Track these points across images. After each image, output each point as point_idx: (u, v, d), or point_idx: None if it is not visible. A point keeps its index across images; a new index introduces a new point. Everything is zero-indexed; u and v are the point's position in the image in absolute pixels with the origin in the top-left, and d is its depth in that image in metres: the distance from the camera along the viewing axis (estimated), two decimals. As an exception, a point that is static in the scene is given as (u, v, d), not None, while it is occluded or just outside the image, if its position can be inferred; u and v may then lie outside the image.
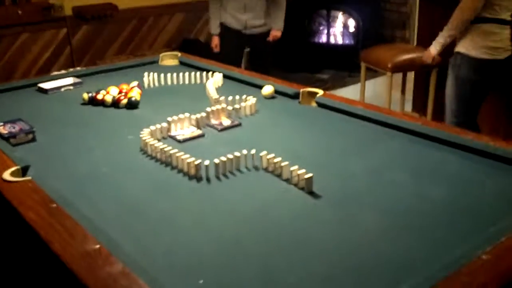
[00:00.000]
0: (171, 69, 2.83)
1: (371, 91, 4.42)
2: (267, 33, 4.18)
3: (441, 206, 1.42)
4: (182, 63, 3.00)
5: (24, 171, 1.62)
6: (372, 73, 4.07)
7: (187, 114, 2.02)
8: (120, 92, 2.32)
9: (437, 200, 1.45)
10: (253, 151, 1.69)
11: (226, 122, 2.06)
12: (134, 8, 5.01)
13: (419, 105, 4.16)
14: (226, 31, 4.19)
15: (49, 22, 4.58)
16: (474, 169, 1.62)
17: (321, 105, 2.22)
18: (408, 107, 4.29)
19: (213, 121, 2.06)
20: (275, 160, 1.61)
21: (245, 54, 4.65)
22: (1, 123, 2.00)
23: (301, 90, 2.30)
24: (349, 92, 4.96)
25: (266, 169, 1.65)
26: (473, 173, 1.60)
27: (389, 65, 3.53)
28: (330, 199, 1.47)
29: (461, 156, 1.69)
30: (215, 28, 4.22)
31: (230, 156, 1.65)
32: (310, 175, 1.49)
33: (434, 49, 3.18)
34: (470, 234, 1.26)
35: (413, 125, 1.90)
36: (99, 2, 4.78)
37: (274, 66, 6.08)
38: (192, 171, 1.62)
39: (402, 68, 3.61)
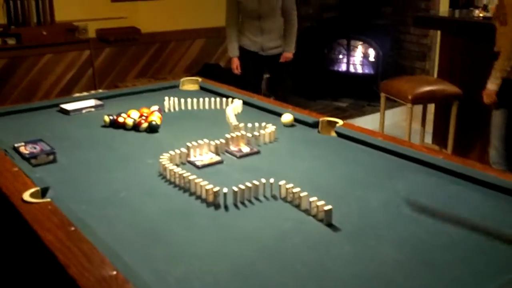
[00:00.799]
0: (191, 94, 2.85)
1: (390, 121, 4.41)
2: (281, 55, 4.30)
3: (459, 243, 1.39)
4: (202, 88, 3.02)
5: (43, 192, 1.63)
6: (391, 102, 4.06)
7: (206, 140, 2.02)
8: (141, 116, 2.34)
9: (455, 236, 1.43)
10: (271, 180, 1.68)
11: (245, 149, 2.06)
12: (156, 32, 5.09)
13: (439, 138, 4.12)
14: (244, 54, 4.32)
15: (73, 43, 4.67)
16: (495, 207, 1.59)
17: (340, 135, 2.21)
18: (428, 139, 4.26)
19: (232, 148, 2.06)
20: (294, 190, 1.60)
21: (264, 80, 4.71)
22: (23, 143, 2.02)
23: (321, 119, 2.30)
24: (368, 121, 4.95)
25: (284, 199, 1.64)
26: (493, 211, 1.57)
27: (410, 97, 3.51)
28: (348, 231, 1.45)
29: (483, 193, 1.67)
30: (234, 51, 4.35)
31: (248, 184, 1.64)
32: (329, 207, 1.48)
33: (494, 86, 3.05)
34: (487, 274, 1.24)
35: (434, 159, 1.88)
36: (123, 25, 4.86)
37: (293, 93, 6.14)
38: (210, 198, 1.62)
39: (422, 100, 3.60)
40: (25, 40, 4.37)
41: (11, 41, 4.36)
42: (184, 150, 1.95)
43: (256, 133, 2.14)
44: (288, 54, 4.29)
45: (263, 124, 2.24)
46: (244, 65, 4.35)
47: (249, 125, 2.21)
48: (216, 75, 4.42)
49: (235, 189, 1.62)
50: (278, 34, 4.24)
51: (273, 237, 1.44)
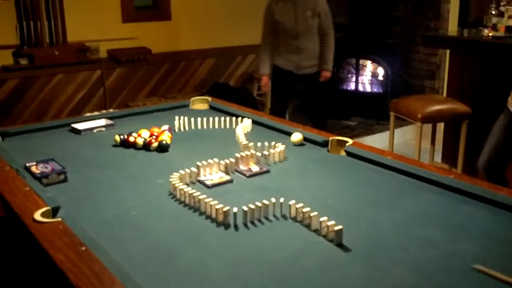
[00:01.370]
0: (201, 113, 2.87)
1: (399, 140, 4.40)
2: (318, 73, 4.34)
3: (472, 264, 1.38)
4: (212, 107, 3.04)
5: (54, 212, 1.64)
6: (401, 121, 4.05)
7: (216, 159, 2.03)
8: (151, 135, 2.35)
9: (467, 258, 1.41)
10: (281, 200, 1.68)
11: (255, 168, 2.07)
12: (167, 52, 5.14)
13: (449, 157, 4.11)
14: (278, 73, 4.38)
15: (84, 63, 4.72)
16: (508, 226, 1.58)
17: (350, 154, 2.21)
18: (438, 157, 4.24)
19: (242, 167, 2.07)
20: (304, 210, 1.60)
21: (290, 105, 4.75)
22: (34, 163, 2.04)
23: (330, 138, 2.30)
24: (377, 140, 4.94)
25: (294, 219, 1.64)
26: (506, 231, 1.56)
27: (419, 116, 3.51)
28: (359, 252, 1.44)
29: (494, 213, 1.65)
30: (265, 69, 4.40)
31: (258, 203, 1.64)
32: (339, 227, 1.47)
33: None
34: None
35: (444, 178, 1.87)
36: (134, 45, 4.92)
37: (301, 112, 6.15)
38: (220, 218, 1.62)
39: (432, 118, 3.59)
40: (37, 60, 4.43)
41: (23, 61, 4.42)
42: (194, 169, 1.96)
43: (265, 152, 2.14)
44: (326, 73, 4.33)
45: (273, 143, 2.25)
46: (276, 84, 4.43)
47: (259, 144, 2.21)
48: (225, 94, 4.44)
49: (245, 208, 1.62)
50: (314, 53, 4.29)
51: (283, 258, 1.43)
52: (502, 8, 3.69)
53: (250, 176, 2.01)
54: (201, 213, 1.69)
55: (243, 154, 2.10)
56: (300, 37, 4.22)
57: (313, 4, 4.18)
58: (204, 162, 1.99)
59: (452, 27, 5.66)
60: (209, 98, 3.12)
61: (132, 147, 2.34)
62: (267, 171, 2.05)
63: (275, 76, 4.41)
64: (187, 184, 1.89)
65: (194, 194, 1.72)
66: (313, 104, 4.51)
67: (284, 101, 4.53)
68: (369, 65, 5.98)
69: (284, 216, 1.66)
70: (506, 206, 1.66)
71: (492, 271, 1.31)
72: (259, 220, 1.64)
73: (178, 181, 1.85)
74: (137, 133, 2.37)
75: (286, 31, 4.22)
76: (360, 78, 6.02)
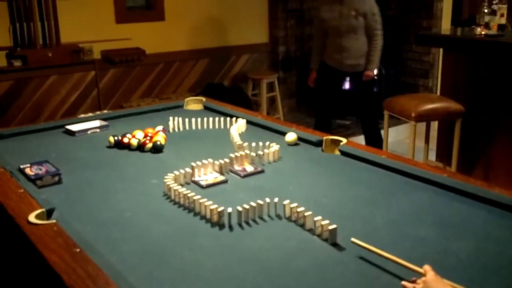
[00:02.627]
0: (195, 114, 2.87)
1: (393, 138, 4.41)
2: (362, 73, 4.37)
3: (466, 263, 1.39)
4: (206, 108, 3.04)
5: (49, 213, 1.64)
6: (395, 120, 4.06)
7: (210, 160, 2.03)
8: (145, 136, 2.35)
9: (462, 256, 1.42)
10: (276, 200, 1.69)
11: (249, 168, 2.07)
12: (161, 53, 5.13)
13: (443, 155, 4.12)
14: (324, 69, 4.51)
15: (78, 65, 4.70)
16: (501, 224, 1.59)
17: (344, 153, 2.22)
18: (432, 156, 4.26)
19: (236, 167, 2.07)
20: (298, 210, 1.60)
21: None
22: (28, 165, 2.04)
23: (324, 137, 2.31)
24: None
25: (288, 218, 1.64)
26: (500, 229, 1.56)
27: (413, 115, 3.52)
28: (353, 250, 1.45)
29: (487, 211, 1.66)
30: (313, 63, 4.58)
31: (253, 203, 1.65)
32: (334, 226, 1.48)
33: None
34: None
35: (438, 177, 1.88)
36: (127, 46, 4.91)
37: (297, 111, 6.16)
38: (215, 218, 1.62)
39: (426, 117, 3.60)
40: (31, 62, 4.41)
41: (17, 63, 4.40)
42: (188, 170, 1.96)
43: (260, 152, 2.15)
44: (369, 73, 4.34)
45: (267, 143, 2.25)
46: (322, 80, 4.54)
47: (253, 144, 2.22)
48: (219, 94, 4.45)
49: (240, 209, 1.62)
50: (358, 53, 4.31)
51: (278, 258, 1.44)
52: (495, 7, 3.70)
53: (245, 176, 2.01)
54: (195, 214, 1.69)
55: (237, 154, 2.10)
56: (343, 36, 4.28)
57: (359, 4, 4.21)
58: (199, 163, 2.00)
59: (445, 26, 5.68)
60: (203, 99, 3.13)
61: (126, 148, 2.34)
62: (262, 171, 2.05)
63: (321, 71, 4.53)
64: (182, 185, 1.89)
65: (189, 195, 1.73)
66: (360, 104, 4.55)
67: (328, 98, 4.59)
68: (363, 64, 5.98)
69: (278, 216, 1.67)
70: (499, 204, 1.67)
71: (368, 245, 1.39)
72: (254, 220, 1.64)
73: (173, 181, 1.85)
74: (131, 134, 2.37)
75: (331, 29, 4.33)
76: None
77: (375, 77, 4.42)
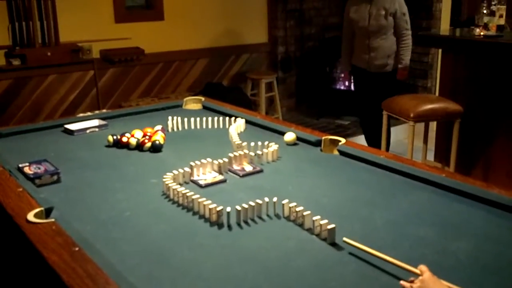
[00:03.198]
0: (194, 113, 2.87)
1: (392, 139, 4.40)
2: (390, 73, 4.36)
3: (465, 263, 1.39)
4: (205, 107, 3.04)
5: (47, 212, 1.64)
6: (394, 120, 4.06)
7: (209, 159, 2.03)
8: (144, 135, 2.35)
9: (461, 256, 1.42)
10: (275, 199, 1.69)
11: (248, 168, 2.07)
12: (160, 52, 5.13)
13: (441, 155, 4.13)
14: (354, 70, 4.54)
15: (77, 64, 4.70)
16: (500, 225, 1.59)
17: (343, 153, 2.22)
18: (431, 156, 4.26)
19: (235, 167, 2.07)
20: (297, 209, 1.60)
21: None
22: (27, 164, 2.03)
23: (323, 137, 2.31)
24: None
25: (287, 218, 1.64)
26: (499, 229, 1.57)
27: (412, 115, 3.53)
28: (352, 251, 1.45)
29: (486, 211, 1.67)
30: (344, 65, 4.64)
31: (251, 203, 1.65)
32: (332, 226, 1.48)
33: None
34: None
35: (437, 177, 1.88)
36: (127, 46, 4.90)
37: (296, 111, 6.16)
38: (214, 217, 1.62)
39: (424, 118, 3.61)
40: (30, 61, 4.40)
41: (16, 62, 4.39)
42: (187, 169, 1.96)
43: (259, 152, 2.15)
44: (402, 71, 4.35)
45: (266, 143, 2.25)
46: (355, 81, 4.61)
47: (252, 144, 2.21)
48: (218, 94, 4.45)
49: (238, 208, 1.62)
50: (386, 53, 4.29)
51: (277, 257, 1.44)
52: (493, 8, 3.71)
53: (244, 175, 2.01)
54: (194, 213, 1.69)
55: (236, 154, 2.10)
56: (372, 36, 4.26)
57: (388, 4, 4.19)
58: (198, 162, 2.00)
59: (444, 26, 5.68)
60: (202, 98, 3.13)
61: (125, 147, 2.34)
62: (261, 171, 2.06)
63: (353, 73, 4.56)
64: (181, 184, 1.89)
65: (188, 194, 1.73)
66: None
67: (361, 99, 4.58)
68: (362, 65, 5.98)
69: (277, 216, 1.67)
70: (498, 204, 1.67)
71: (359, 244, 1.40)
72: (253, 220, 1.64)
73: (172, 181, 1.85)
74: (130, 133, 2.37)
75: (360, 29, 4.31)
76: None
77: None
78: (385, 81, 4.36)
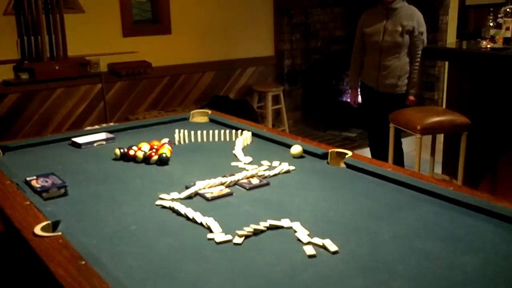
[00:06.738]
0: (201, 126, 2.88)
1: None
2: (399, 96, 4.13)
3: (473, 277, 1.37)
4: (212, 120, 3.05)
5: (54, 226, 1.64)
6: (400, 133, 4.05)
7: (215, 181, 2.02)
8: (151, 149, 2.36)
9: (469, 270, 1.41)
10: (286, 223, 1.67)
11: (255, 181, 2.07)
12: (167, 66, 5.16)
13: (449, 168, 4.11)
14: (362, 88, 4.34)
15: (85, 77, 4.74)
16: (508, 239, 1.57)
17: (350, 166, 2.21)
18: (438, 169, 4.24)
19: (242, 180, 2.07)
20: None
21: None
22: (34, 177, 2.04)
23: (330, 150, 2.30)
24: (377, 152, 4.93)
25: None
26: (507, 244, 1.55)
27: (419, 127, 3.52)
28: (360, 265, 1.44)
29: (494, 225, 1.65)
30: (352, 82, 4.41)
31: (262, 226, 1.63)
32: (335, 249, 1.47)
33: None
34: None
35: (445, 190, 1.87)
36: (134, 59, 4.94)
37: (302, 123, 6.16)
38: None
39: (431, 130, 3.60)
40: (38, 74, 4.44)
41: (24, 76, 4.43)
42: (194, 182, 1.96)
43: (266, 164, 2.14)
44: (413, 98, 4.12)
45: (276, 163, 2.24)
46: (362, 98, 4.38)
47: (255, 157, 2.21)
48: (225, 107, 4.46)
49: (250, 231, 1.60)
50: (397, 73, 4.05)
51: (283, 271, 1.43)
52: (500, 20, 3.71)
53: (250, 188, 2.01)
54: (200, 226, 1.68)
55: (243, 166, 2.10)
56: (384, 53, 4.03)
57: (406, 20, 3.95)
58: (204, 175, 1.99)
59: (451, 39, 5.69)
60: (209, 111, 3.14)
61: (132, 160, 2.34)
62: (267, 184, 2.05)
63: (361, 91, 4.35)
64: (189, 197, 1.89)
65: (194, 208, 1.72)
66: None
67: (368, 118, 4.36)
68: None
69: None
70: (506, 218, 1.65)
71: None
72: (259, 233, 1.63)
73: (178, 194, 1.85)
74: (137, 146, 2.38)
75: (371, 44, 4.08)
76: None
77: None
78: (393, 103, 4.06)
